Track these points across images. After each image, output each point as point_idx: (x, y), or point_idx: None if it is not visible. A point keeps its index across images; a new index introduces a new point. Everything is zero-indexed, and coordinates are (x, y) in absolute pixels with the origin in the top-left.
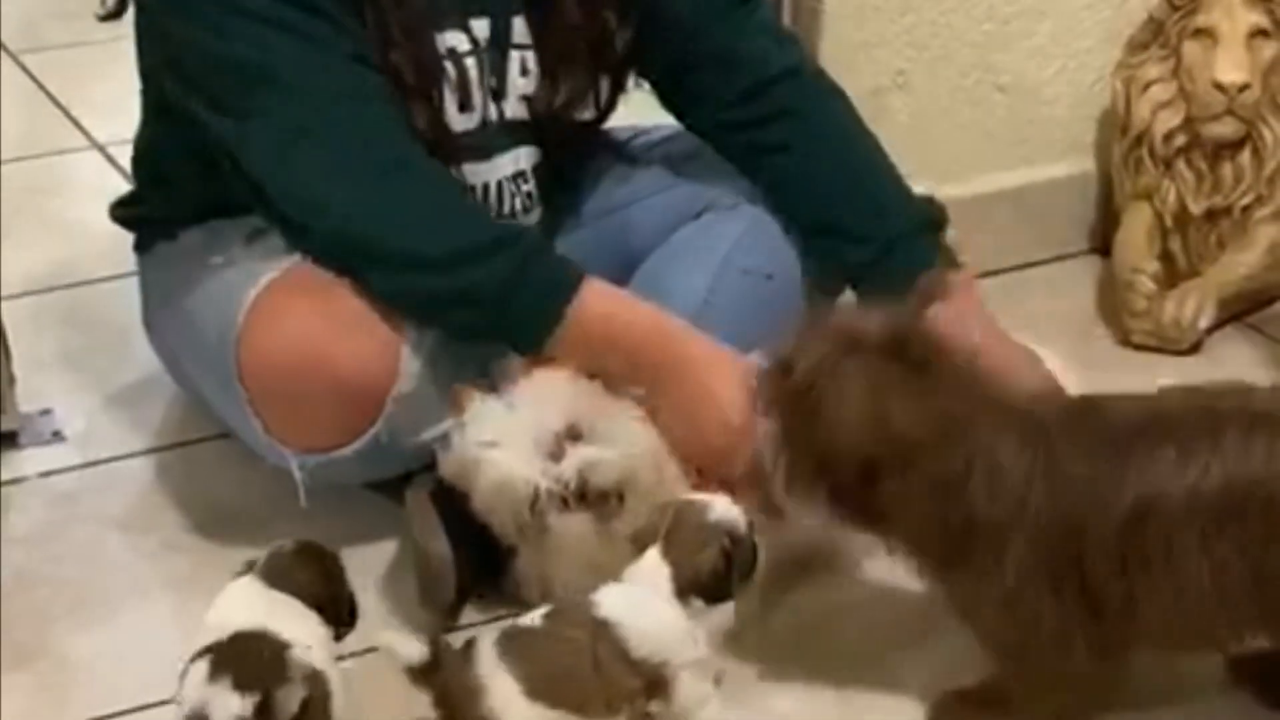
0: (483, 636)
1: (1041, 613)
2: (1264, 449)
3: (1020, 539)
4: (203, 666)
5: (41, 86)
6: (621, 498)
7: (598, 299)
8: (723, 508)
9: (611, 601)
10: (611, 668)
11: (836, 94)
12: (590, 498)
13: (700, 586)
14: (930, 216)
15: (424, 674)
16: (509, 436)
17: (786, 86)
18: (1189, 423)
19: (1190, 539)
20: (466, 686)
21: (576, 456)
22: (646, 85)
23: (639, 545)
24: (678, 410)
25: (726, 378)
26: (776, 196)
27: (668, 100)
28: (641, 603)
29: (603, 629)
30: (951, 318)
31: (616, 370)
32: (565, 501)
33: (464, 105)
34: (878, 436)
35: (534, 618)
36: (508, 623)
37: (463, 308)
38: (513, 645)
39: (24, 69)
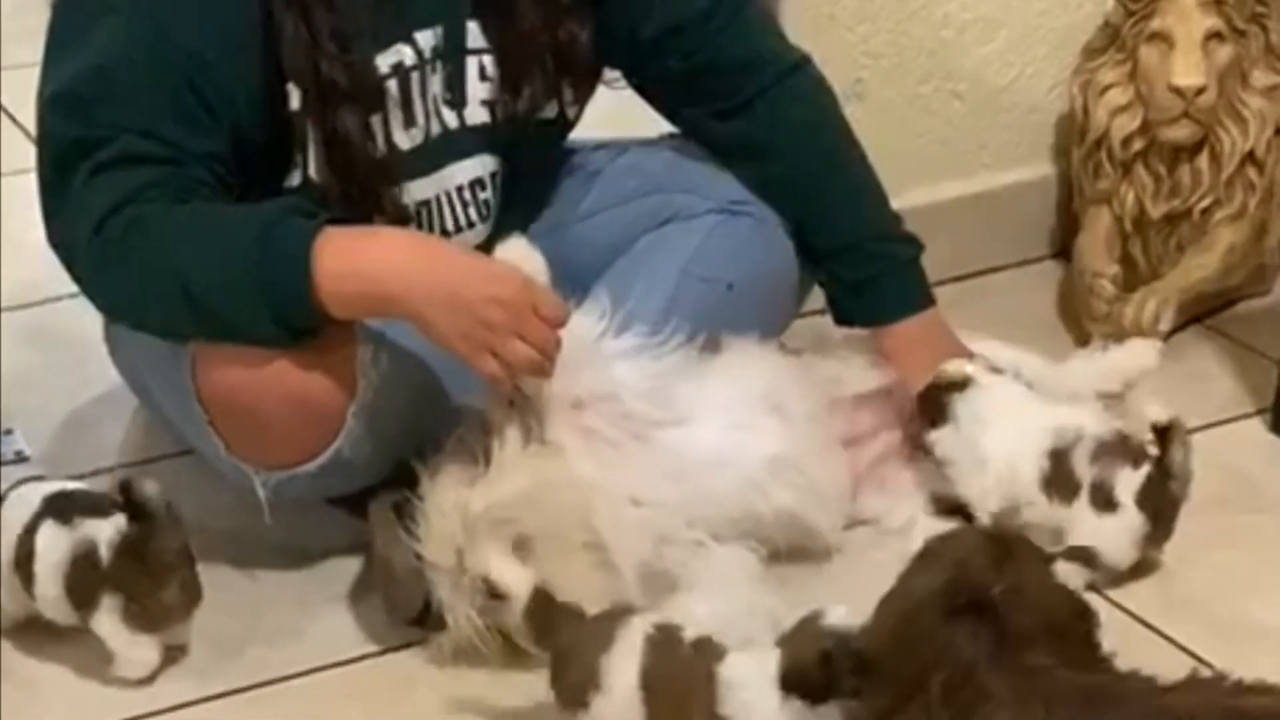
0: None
1: None
2: None
3: None
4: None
5: (0, 105)
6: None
7: (329, 270)
8: (837, 616)
9: (735, 662)
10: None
11: (826, 92)
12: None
13: (800, 685)
14: (913, 239)
15: None
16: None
17: (779, 90)
18: None
19: None
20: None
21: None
22: (625, 93)
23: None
24: (435, 340)
25: (443, 311)
26: (768, 199)
27: (657, 102)
28: (753, 679)
29: (711, 679)
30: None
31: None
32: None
33: (408, 122)
34: None
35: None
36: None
37: (237, 334)
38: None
39: None
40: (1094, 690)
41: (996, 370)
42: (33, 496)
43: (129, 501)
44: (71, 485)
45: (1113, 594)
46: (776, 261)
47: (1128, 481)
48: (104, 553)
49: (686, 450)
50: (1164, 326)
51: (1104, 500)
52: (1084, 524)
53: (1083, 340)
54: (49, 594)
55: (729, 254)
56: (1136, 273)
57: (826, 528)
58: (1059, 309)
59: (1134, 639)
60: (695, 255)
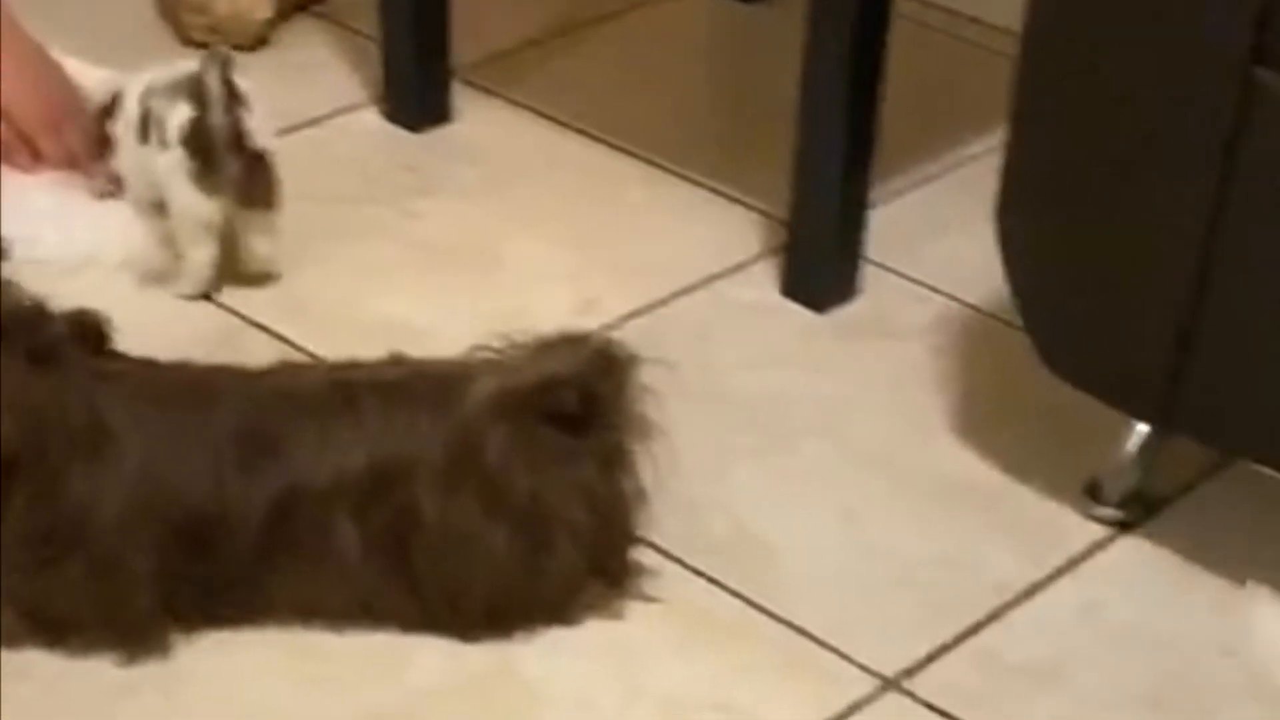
0: None
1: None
2: (404, 422)
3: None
4: None
5: None
6: None
7: None
8: None
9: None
10: None
11: None
12: None
13: None
14: None
15: None
16: None
17: None
18: (326, 401)
19: (342, 520)
20: None
21: None
22: None
23: None
24: None
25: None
26: None
27: None
28: None
29: None
30: None
31: None
32: None
33: None
34: None
35: None
36: None
37: None
38: None
39: None
40: (191, 385)
41: None
42: None
43: None
44: None
45: (223, 299)
46: None
47: (175, 117)
48: None
49: None
50: (263, 15)
51: (160, 138)
52: (134, 159)
53: (183, 35)
54: None
55: None
56: None
57: None
58: (158, 7)
59: (248, 342)
60: None
